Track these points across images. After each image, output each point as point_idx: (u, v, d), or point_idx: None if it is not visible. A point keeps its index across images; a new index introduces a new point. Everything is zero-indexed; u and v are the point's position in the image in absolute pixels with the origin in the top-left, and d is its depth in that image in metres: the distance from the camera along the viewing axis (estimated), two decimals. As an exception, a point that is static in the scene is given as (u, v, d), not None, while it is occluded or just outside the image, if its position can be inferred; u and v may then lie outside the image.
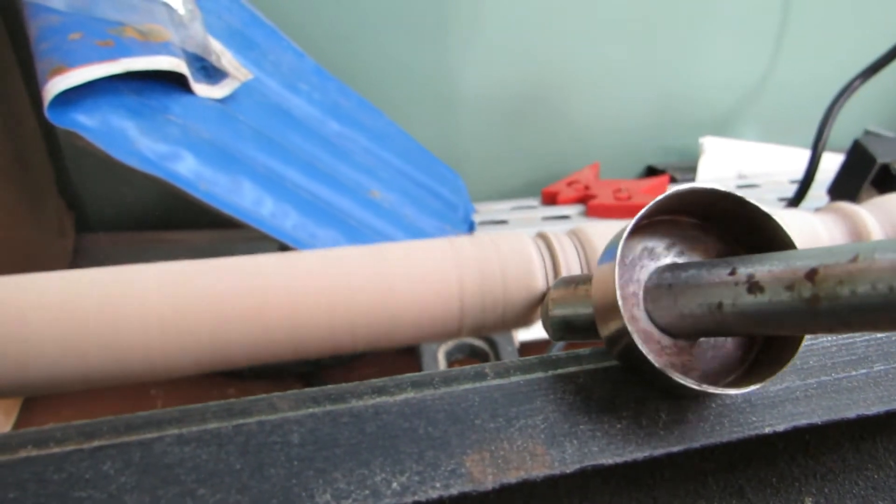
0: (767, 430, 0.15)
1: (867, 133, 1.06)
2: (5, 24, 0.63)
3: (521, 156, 0.87)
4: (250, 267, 0.18)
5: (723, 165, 0.91)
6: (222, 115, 0.52)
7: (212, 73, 0.53)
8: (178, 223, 0.77)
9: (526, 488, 0.13)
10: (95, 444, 0.11)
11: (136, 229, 0.78)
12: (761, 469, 0.16)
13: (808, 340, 0.18)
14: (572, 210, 0.78)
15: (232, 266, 0.18)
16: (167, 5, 0.49)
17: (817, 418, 0.15)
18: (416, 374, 0.14)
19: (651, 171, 0.94)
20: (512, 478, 0.12)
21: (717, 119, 0.96)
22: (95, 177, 0.77)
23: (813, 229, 0.21)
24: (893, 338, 0.17)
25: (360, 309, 0.16)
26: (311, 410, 0.12)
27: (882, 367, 0.17)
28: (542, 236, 0.18)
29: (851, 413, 0.16)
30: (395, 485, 0.12)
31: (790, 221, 0.21)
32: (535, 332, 0.50)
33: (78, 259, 0.72)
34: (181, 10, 0.50)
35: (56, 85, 0.40)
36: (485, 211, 0.80)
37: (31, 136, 0.68)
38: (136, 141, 0.44)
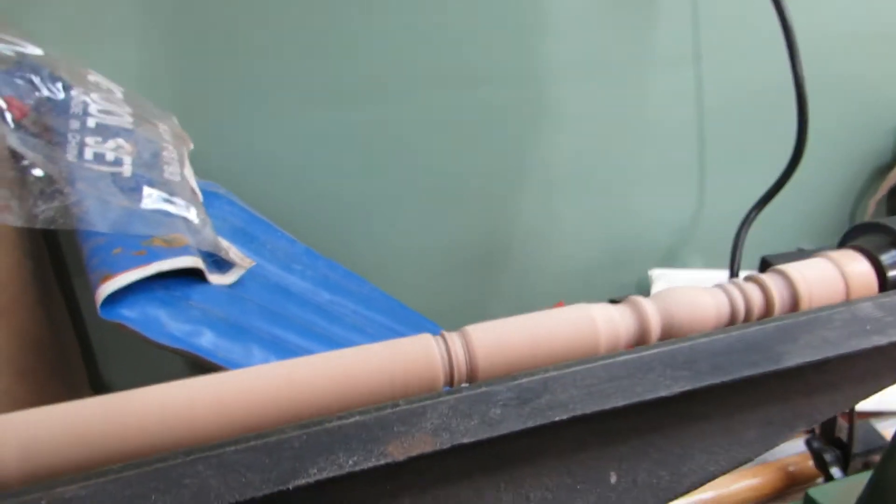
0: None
1: (800, 250, 1.19)
2: (48, 249, 0.77)
3: (493, 302, 0.99)
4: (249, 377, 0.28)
5: (672, 291, 1.02)
6: (232, 296, 0.64)
7: (221, 264, 0.66)
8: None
9: (428, 459, 0.23)
10: (192, 457, 0.22)
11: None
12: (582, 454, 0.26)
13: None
14: (541, 344, 0.88)
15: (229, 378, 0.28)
16: (185, 218, 0.62)
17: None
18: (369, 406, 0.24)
19: (613, 303, 1.05)
20: (413, 453, 0.22)
21: (664, 252, 1.09)
22: (121, 372, 0.88)
23: (611, 315, 0.31)
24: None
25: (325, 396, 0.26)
26: (303, 431, 0.23)
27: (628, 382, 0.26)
28: (441, 334, 0.28)
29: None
30: (350, 461, 0.22)
31: (596, 314, 0.31)
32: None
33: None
34: (195, 220, 0.63)
35: (106, 289, 0.53)
36: (466, 355, 0.90)
37: (70, 339, 0.79)
38: (166, 324, 0.56)
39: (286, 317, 0.67)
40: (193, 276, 0.61)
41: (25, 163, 0.55)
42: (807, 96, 0.78)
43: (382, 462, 0.22)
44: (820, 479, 0.75)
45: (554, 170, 0.96)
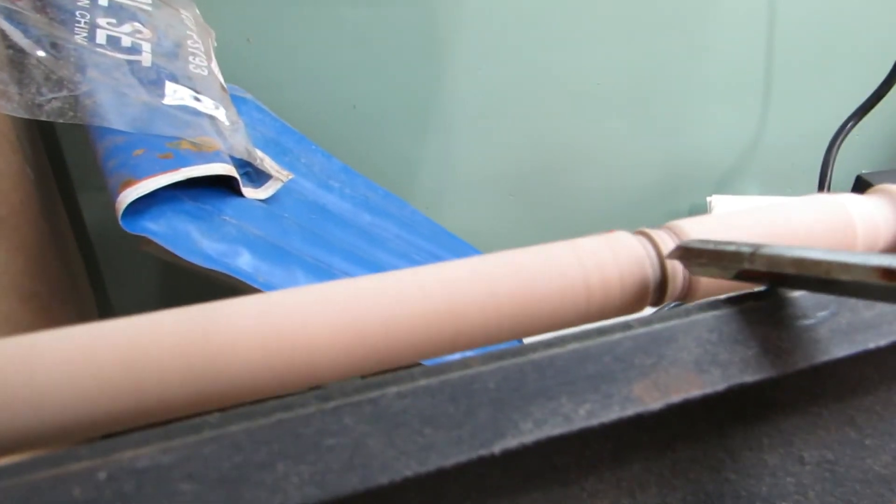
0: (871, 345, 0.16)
1: (859, 178, 1.11)
2: (50, 159, 0.68)
3: (538, 229, 0.91)
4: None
5: (732, 220, 0.94)
6: (269, 213, 0.55)
7: (254, 177, 0.57)
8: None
9: (686, 407, 0.15)
10: (332, 404, 0.14)
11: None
12: (867, 398, 0.18)
13: None
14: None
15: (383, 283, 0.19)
16: (213, 118, 0.53)
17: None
18: (578, 329, 0.16)
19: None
20: (675, 398, 0.14)
21: (720, 178, 1.01)
22: (132, 297, 0.80)
23: (866, 208, 0.23)
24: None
25: (502, 308, 0.18)
26: (498, 364, 0.15)
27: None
28: (641, 232, 0.20)
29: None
30: (581, 411, 0.14)
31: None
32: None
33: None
34: (226, 122, 0.54)
35: (127, 196, 0.44)
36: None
37: (76, 260, 0.71)
38: (198, 241, 0.48)
39: (327, 238, 0.59)
40: (223, 187, 0.53)
41: (25, 42, 0.46)
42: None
43: (630, 412, 0.14)
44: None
45: (607, 85, 0.86)
